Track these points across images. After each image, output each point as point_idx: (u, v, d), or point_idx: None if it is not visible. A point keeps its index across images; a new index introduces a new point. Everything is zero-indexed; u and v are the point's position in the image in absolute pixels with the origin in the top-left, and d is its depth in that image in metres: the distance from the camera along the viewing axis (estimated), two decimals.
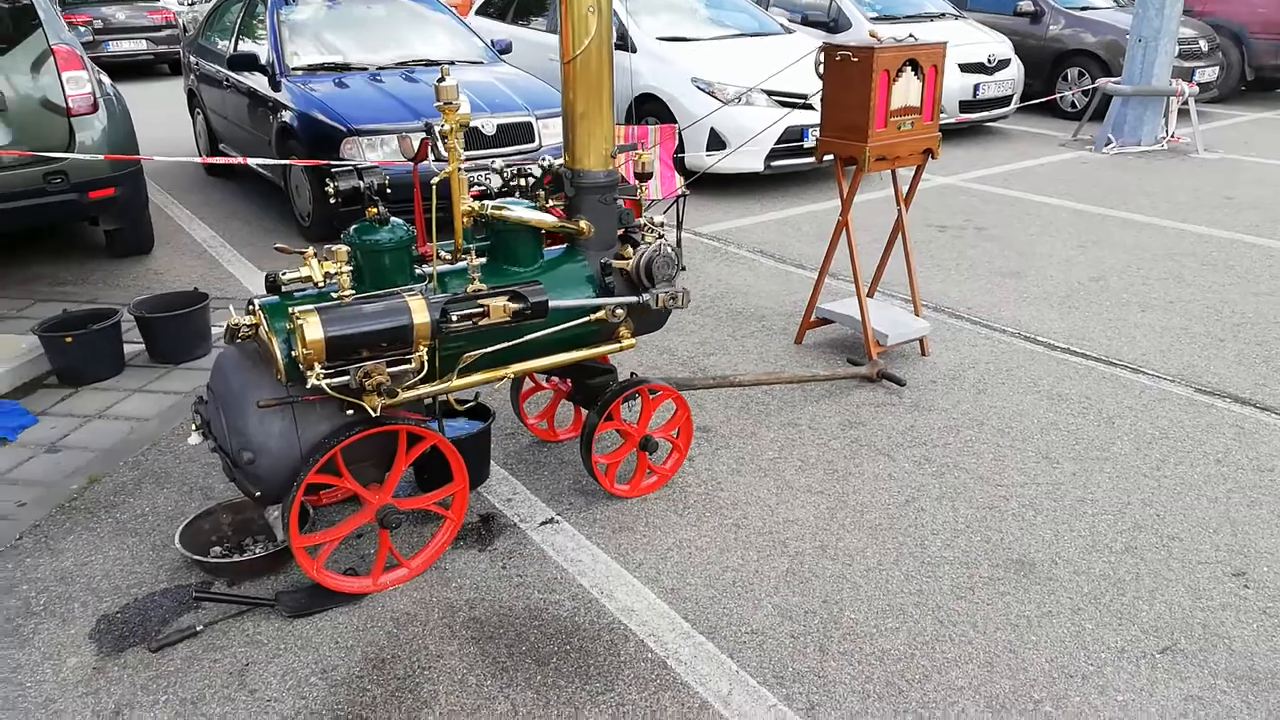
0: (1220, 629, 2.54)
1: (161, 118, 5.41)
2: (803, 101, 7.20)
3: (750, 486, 3.24)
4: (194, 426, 2.71)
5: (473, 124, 5.60)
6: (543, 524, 3.03)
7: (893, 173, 4.23)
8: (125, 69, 14.76)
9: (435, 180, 2.64)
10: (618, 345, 3.07)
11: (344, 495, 3.07)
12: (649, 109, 7.46)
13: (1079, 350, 4.33)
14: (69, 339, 3.97)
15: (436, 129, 4.72)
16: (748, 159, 6.92)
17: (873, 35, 3.91)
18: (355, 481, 2.61)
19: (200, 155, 8.11)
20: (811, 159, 7.33)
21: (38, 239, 6.06)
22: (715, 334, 4.57)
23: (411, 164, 2.78)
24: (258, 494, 2.49)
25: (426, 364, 2.58)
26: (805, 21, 9.68)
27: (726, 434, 3.60)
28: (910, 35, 4.05)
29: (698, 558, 2.86)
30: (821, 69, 4.02)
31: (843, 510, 3.10)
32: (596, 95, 2.92)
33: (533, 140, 5.99)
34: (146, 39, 15.10)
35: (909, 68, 3.92)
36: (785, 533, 2.98)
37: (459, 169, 2.69)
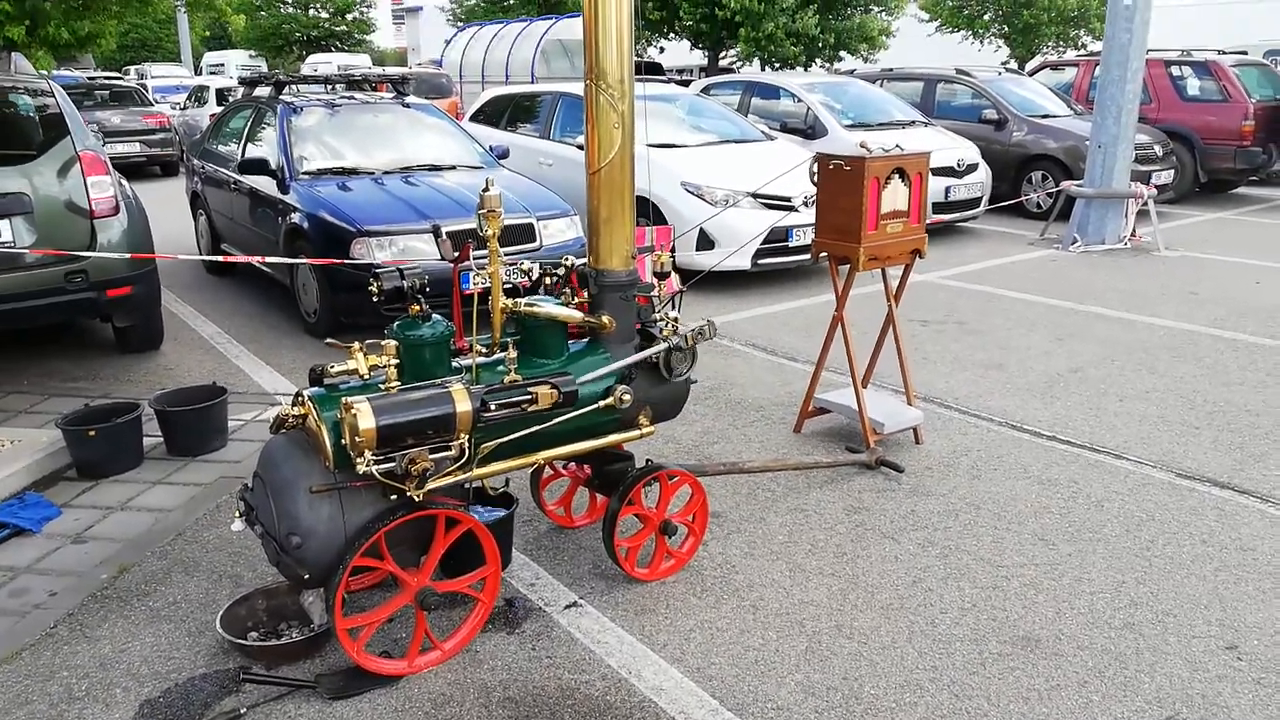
0: (1218, 699, 2.68)
1: (156, 217, 5.70)
2: (787, 204, 7.59)
3: (764, 569, 3.37)
4: (238, 513, 2.82)
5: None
6: (567, 607, 3.13)
7: (883, 271, 4.50)
8: (117, 170, 15.08)
9: (475, 289, 2.84)
10: (638, 433, 3.24)
11: (373, 582, 3.18)
12: (641, 210, 7.78)
13: (1064, 438, 4.55)
14: (91, 432, 4.07)
15: (444, 230, 4.93)
16: (736, 258, 7.23)
17: (862, 145, 4.21)
18: (395, 564, 2.72)
19: (201, 252, 8.32)
20: (796, 257, 7.68)
21: (51, 335, 6.17)
22: (717, 423, 4.75)
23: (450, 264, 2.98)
24: (305, 576, 2.60)
25: (465, 451, 2.73)
26: (784, 128, 10.19)
27: (737, 519, 3.74)
28: (897, 145, 4.38)
29: (719, 638, 2.97)
30: (815, 176, 4.32)
31: (854, 591, 3.23)
32: (620, 201, 3.16)
33: (534, 240, 6.25)
34: (140, 142, 15.49)
35: (897, 175, 4.23)
36: (801, 613, 3.10)
37: (500, 269, 2.90)
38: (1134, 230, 9.22)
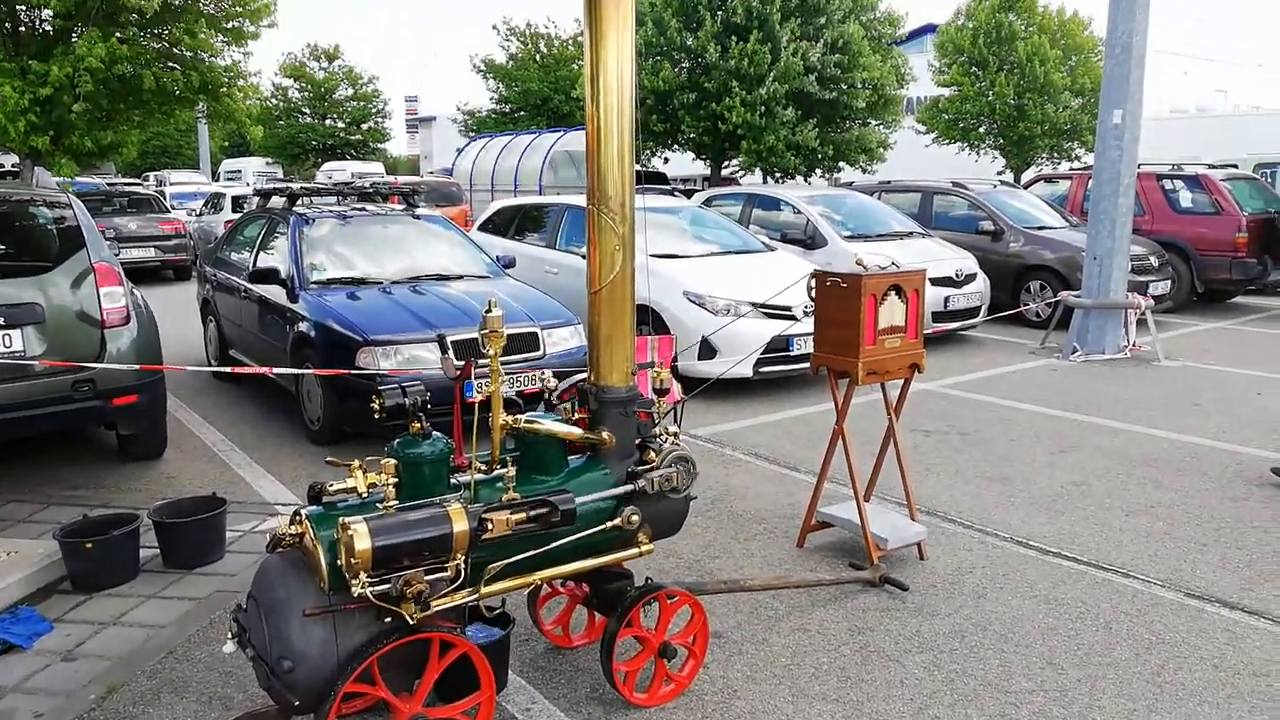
0: None
1: (167, 320, 5.86)
2: (787, 313, 7.68)
3: (766, 695, 3.29)
4: (230, 635, 2.78)
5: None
6: None
7: (882, 385, 4.53)
8: (131, 274, 15.35)
9: (478, 400, 2.87)
10: (637, 551, 3.21)
11: (364, 706, 3.10)
12: (641, 318, 7.88)
13: (1070, 554, 4.49)
14: (89, 544, 4.04)
15: (449, 338, 4.97)
16: (738, 366, 7.28)
17: (859, 263, 4.30)
18: (387, 690, 2.66)
19: (209, 360, 8.42)
20: (797, 366, 7.73)
21: (56, 441, 6.18)
22: (719, 537, 4.71)
23: (454, 381, 3.02)
24: (296, 703, 2.54)
25: (462, 571, 2.71)
26: (784, 239, 10.38)
27: (739, 639, 3.67)
28: (893, 263, 4.47)
29: None
30: (813, 292, 4.39)
31: (859, 719, 3.14)
32: (620, 319, 3.22)
33: (538, 349, 6.31)
34: (155, 247, 15.83)
35: (893, 291, 4.30)
36: None
37: (500, 388, 2.93)
38: (1133, 340, 9.30)
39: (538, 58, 32.45)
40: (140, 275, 15.76)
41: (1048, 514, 5.02)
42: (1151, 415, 7.02)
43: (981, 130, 25.78)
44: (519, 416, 3.05)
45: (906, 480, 4.55)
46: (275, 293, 6.81)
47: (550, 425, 3.07)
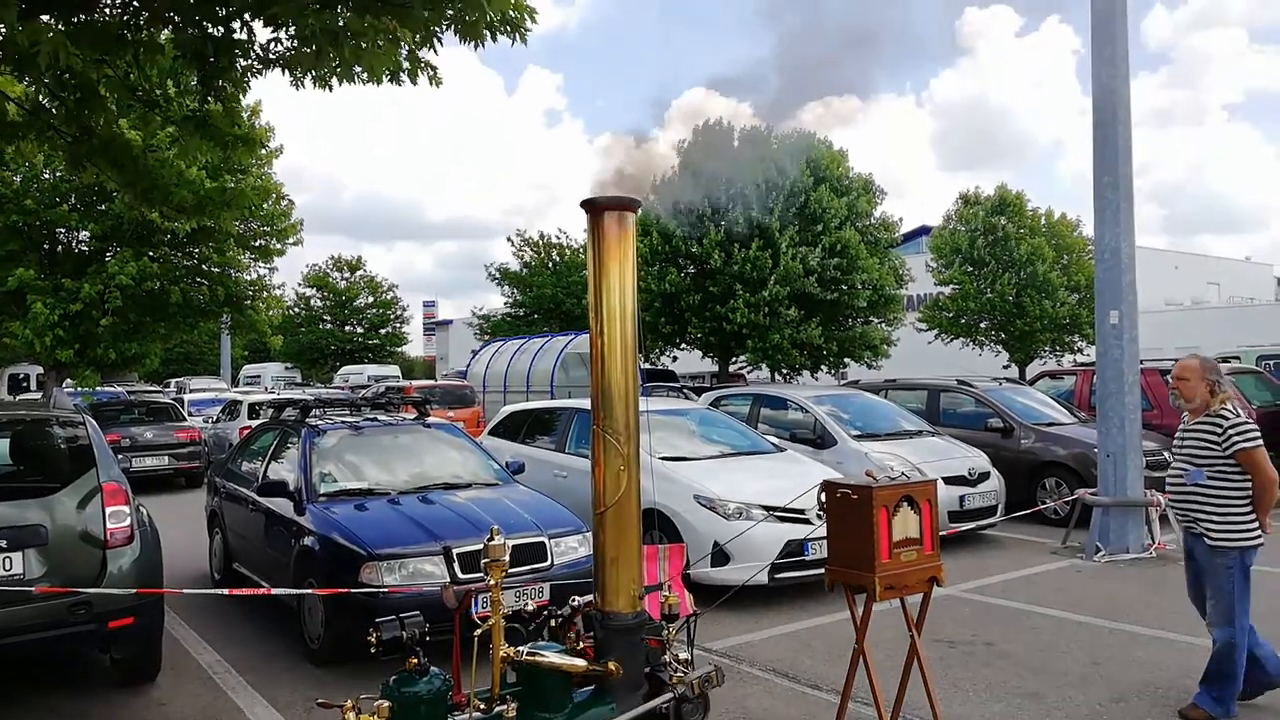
0: None
1: (173, 530, 5.81)
2: (800, 516, 7.55)
3: None
4: None
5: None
6: None
7: (902, 600, 4.37)
8: (143, 482, 15.36)
9: (478, 633, 2.77)
10: None
11: None
12: (649, 522, 7.76)
13: None
14: None
15: (455, 551, 4.85)
16: (755, 575, 7.08)
17: (869, 475, 4.27)
18: None
19: (212, 573, 8.26)
20: (813, 571, 7.51)
21: (42, 662, 5.97)
22: None
23: (451, 603, 2.92)
24: None
25: None
26: (793, 438, 10.39)
27: None
28: (903, 474, 4.43)
29: None
30: (823, 503, 4.33)
31: None
32: (627, 540, 3.16)
33: (545, 560, 6.18)
34: (170, 455, 15.92)
35: (905, 503, 4.23)
36: None
37: (500, 619, 2.83)
38: (1157, 538, 9.06)
39: (550, 265, 33.94)
40: (152, 483, 15.80)
41: None
42: (1186, 621, 6.70)
43: (983, 326, 26.40)
44: (520, 649, 2.94)
45: (934, 704, 4.30)
46: (283, 505, 6.77)
47: (553, 658, 2.95)
